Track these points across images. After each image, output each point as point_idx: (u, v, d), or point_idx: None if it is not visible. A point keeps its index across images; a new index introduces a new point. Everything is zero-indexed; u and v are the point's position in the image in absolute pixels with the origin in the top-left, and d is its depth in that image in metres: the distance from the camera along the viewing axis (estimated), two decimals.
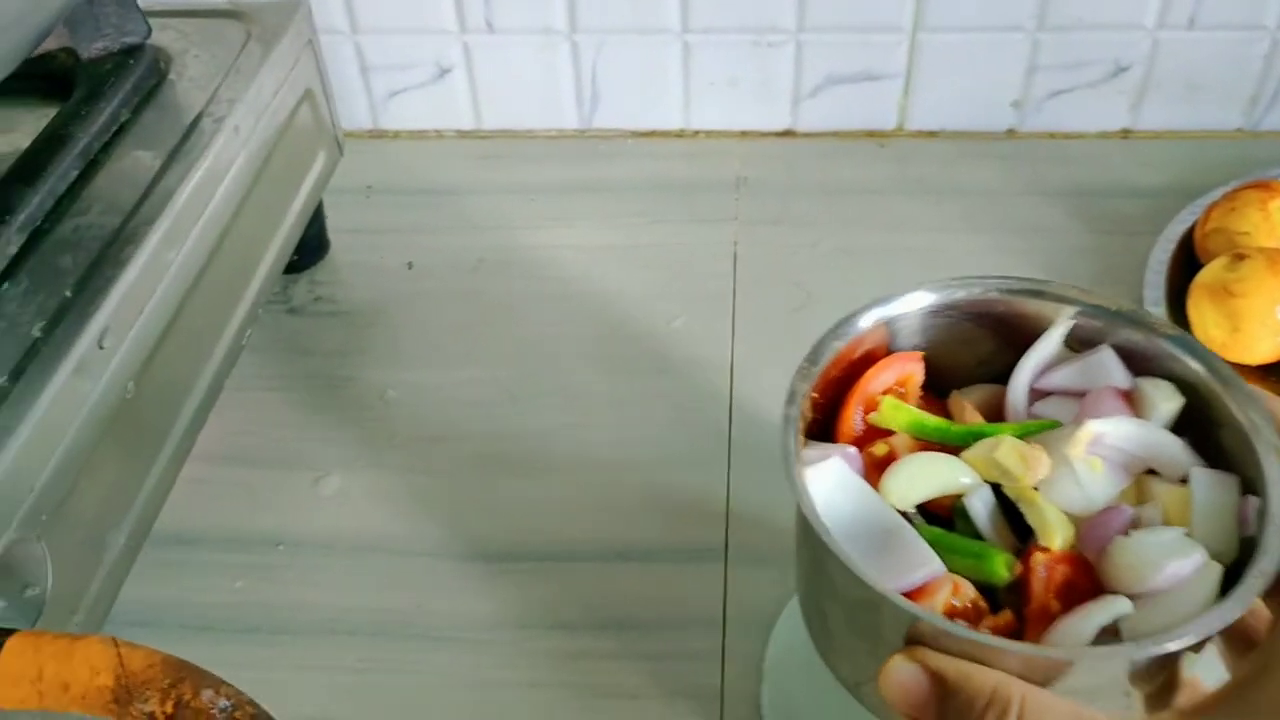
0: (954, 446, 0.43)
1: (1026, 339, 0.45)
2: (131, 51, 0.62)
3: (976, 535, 0.41)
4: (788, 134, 0.87)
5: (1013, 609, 0.39)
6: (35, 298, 0.49)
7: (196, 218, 0.56)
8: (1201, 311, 0.64)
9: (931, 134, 0.86)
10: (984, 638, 0.35)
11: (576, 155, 0.87)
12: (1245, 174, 0.74)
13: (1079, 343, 0.45)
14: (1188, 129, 0.85)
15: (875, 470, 0.42)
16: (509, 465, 0.65)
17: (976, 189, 0.82)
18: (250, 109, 0.62)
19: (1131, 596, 0.37)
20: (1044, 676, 0.35)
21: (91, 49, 0.62)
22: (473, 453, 0.65)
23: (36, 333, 0.47)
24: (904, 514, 0.40)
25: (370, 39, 0.85)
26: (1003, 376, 0.45)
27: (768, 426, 0.65)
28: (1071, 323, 0.44)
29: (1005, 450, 0.40)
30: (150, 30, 0.64)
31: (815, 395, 0.42)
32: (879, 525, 0.40)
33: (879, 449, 0.43)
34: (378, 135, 0.90)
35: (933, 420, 0.43)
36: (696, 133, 0.88)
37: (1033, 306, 0.44)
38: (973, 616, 0.39)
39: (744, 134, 0.87)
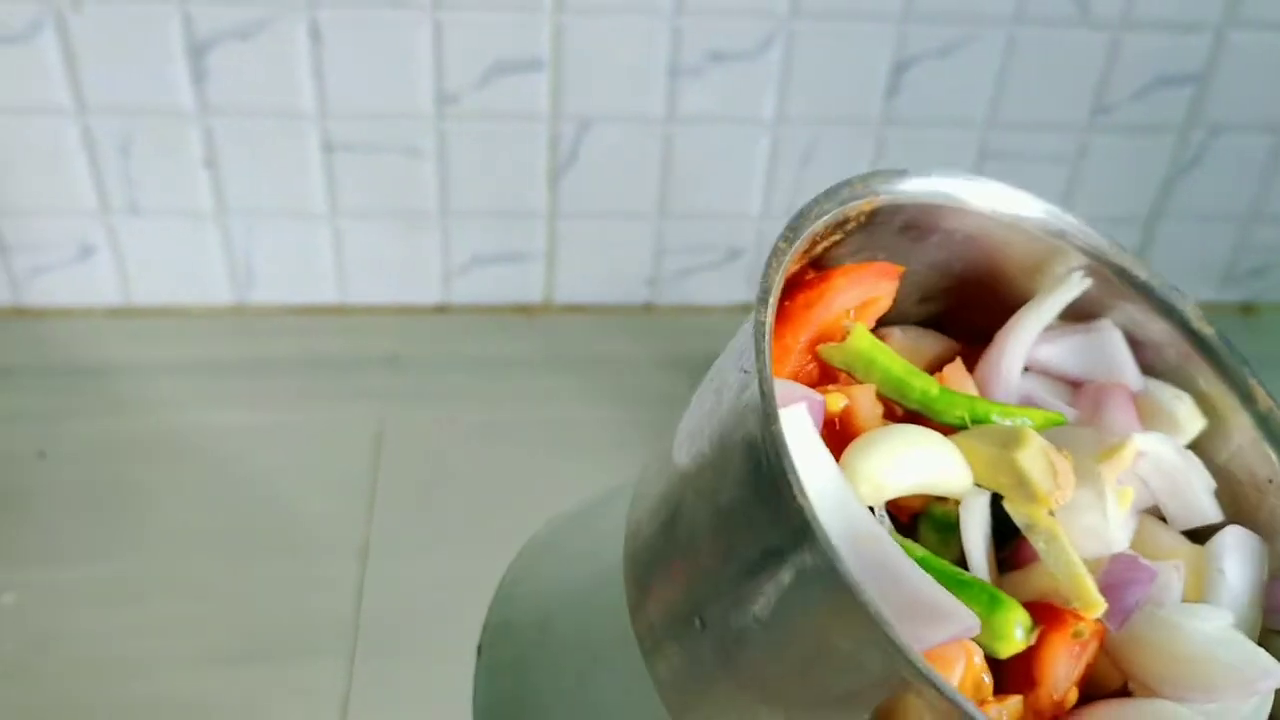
0: (932, 421, 0.30)
1: (995, 280, 0.33)
2: None
3: (959, 563, 0.30)
4: (441, 309, 0.91)
5: (1012, 686, 0.29)
6: None
7: None
8: None
9: (576, 308, 0.92)
10: None
11: (231, 332, 0.88)
12: None
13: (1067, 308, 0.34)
14: None
15: (826, 432, 0.30)
16: (127, 667, 0.64)
17: (616, 360, 0.87)
18: None
19: (1164, 695, 0.29)
20: None
21: None
22: (90, 657, 0.64)
23: None
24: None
25: (8, 220, 0.83)
26: (943, 321, 0.34)
27: (400, 612, 0.67)
28: (1087, 282, 0.33)
29: (1032, 453, 0.28)
30: None
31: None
32: (853, 527, 0.27)
33: (834, 401, 0.30)
34: (20, 314, 0.88)
35: (918, 377, 0.30)
36: (352, 308, 0.90)
37: (1024, 237, 0.32)
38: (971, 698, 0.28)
39: (400, 310, 0.90)
